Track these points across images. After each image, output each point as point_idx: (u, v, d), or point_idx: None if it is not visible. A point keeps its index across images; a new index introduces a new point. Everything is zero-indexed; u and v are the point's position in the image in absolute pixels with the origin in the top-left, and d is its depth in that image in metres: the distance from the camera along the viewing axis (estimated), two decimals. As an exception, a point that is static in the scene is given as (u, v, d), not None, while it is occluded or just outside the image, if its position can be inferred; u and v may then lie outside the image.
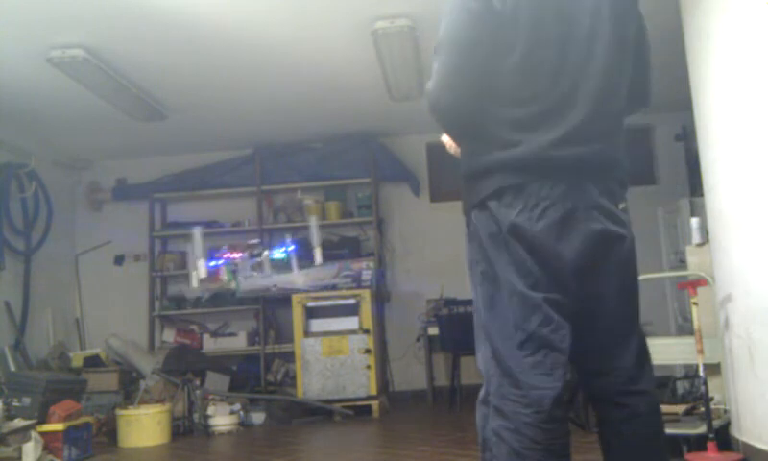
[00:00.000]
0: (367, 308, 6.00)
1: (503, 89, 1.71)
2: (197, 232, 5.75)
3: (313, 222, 6.21)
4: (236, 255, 6.04)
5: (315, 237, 6.07)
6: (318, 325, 6.04)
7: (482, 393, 1.78)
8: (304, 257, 6.75)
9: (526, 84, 1.70)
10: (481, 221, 1.74)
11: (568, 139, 1.68)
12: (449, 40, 1.73)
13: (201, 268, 5.66)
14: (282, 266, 6.44)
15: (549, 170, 1.68)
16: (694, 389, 4.03)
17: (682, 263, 5.49)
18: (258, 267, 6.19)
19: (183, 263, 7.25)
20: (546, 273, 1.67)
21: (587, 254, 1.69)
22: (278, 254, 6.35)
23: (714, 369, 3.74)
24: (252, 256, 6.12)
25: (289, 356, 6.57)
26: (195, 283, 5.78)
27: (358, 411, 5.80)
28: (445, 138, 1.99)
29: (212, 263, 6.06)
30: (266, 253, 6.20)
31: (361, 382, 5.87)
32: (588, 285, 1.73)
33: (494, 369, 1.71)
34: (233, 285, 6.44)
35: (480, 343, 1.78)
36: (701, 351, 3.49)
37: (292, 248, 6.36)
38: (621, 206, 1.77)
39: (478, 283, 1.77)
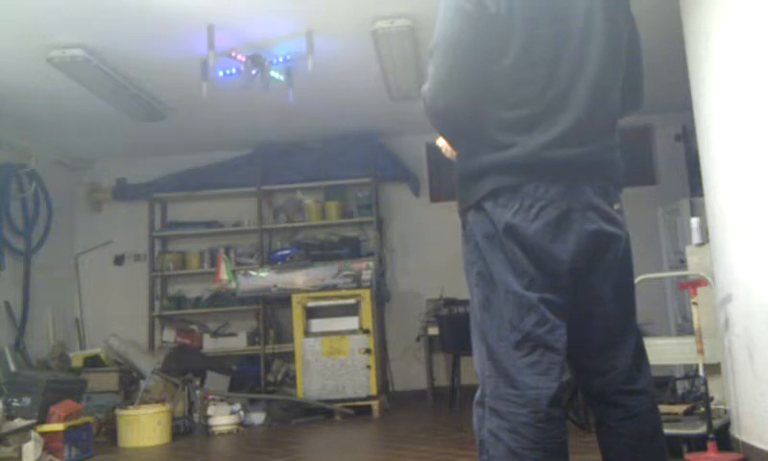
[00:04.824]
0: (367, 308, 6.00)
1: (498, 91, 1.71)
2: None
3: None
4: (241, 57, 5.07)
5: None
6: (318, 325, 6.04)
7: (478, 394, 1.78)
8: (304, 258, 6.78)
9: (520, 87, 1.70)
10: (477, 222, 1.74)
11: (562, 141, 1.68)
12: (444, 42, 1.72)
13: (211, 66, 4.66)
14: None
15: (544, 171, 1.68)
16: (694, 389, 4.02)
17: (682, 263, 5.49)
18: None
19: (183, 263, 7.27)
20: (542, 273, 1.67)
21: (582, 255, 1.69)
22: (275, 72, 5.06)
23: (714, 369, 3.74)
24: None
25: (289, 356, 6.57)
26: (204, 92, 4.78)
27: (358, 411, 5.80)
28: (441, 142, 1.99)
29: (220, 73, 4.92)
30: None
31: (361, 382, 5.87)
32: (583, 285, 1.73)
33: (490, 370, 1.71)
34: (233, 285, 6.44)
35: (476, 344, 1.79)
36: (701, 351, 3.50)
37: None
38: (616, 206, 1.77)
39: (474, 284, 1.76)
